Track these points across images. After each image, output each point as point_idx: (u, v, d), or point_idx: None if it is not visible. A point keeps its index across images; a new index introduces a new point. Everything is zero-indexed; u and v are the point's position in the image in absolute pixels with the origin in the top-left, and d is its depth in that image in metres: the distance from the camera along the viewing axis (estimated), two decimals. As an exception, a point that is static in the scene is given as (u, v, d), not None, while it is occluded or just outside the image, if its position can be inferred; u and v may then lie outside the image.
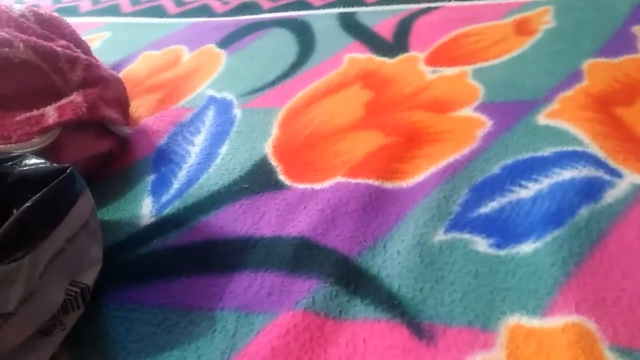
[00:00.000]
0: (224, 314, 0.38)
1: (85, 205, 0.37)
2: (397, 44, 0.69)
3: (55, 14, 0.60)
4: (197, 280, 0.41)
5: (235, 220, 0.45)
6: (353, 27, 0.76)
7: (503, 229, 0.40)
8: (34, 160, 0.38)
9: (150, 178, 0.53)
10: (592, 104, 0.51)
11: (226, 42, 0.77)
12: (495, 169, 0.46)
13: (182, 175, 0.52)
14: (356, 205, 0.44)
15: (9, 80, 0.47)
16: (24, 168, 0.37)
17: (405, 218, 0.43)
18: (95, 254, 0.39)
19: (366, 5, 0.82)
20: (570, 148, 0.46)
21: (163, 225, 0.46)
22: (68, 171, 0.36)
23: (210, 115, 0.61)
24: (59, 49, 0.51)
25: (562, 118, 0.50)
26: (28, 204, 0.33)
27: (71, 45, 0.54)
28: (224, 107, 0.62)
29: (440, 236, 0.40)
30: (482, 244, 0.39)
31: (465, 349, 0.33)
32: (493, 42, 0.65)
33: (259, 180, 0.50)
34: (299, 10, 0.84)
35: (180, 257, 0.43)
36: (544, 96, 0.53)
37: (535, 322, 0.33)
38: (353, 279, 0.38)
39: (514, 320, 0.34)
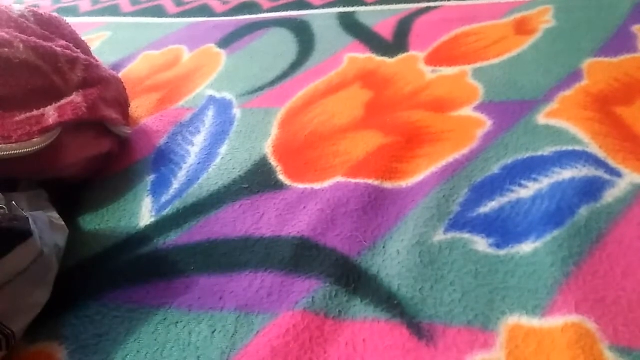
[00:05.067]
0: (224, 314, 0.38)
1: (25, 254, 0.36)
2: (397, 43, 0.69)
3: (55, 14, 0.60)
4: (196, 280, 0.41)
5: (235, 220, 0.45)
6: (353, 27, 0.76)
7: (503, 228, 0.40)
8: None
9: (150, 178, 0.53)
10: (592, 104, 0.51)
11: (226, 42, 0.77)
12: (495, 169, 0.46)
13: (181, 175, 0.52)
14: (356, 205, 0.44)
15: (9, 80, 0.47)
16: None
17: (405, 218, 0.43)
18: (37, 298, 0.38)
19: (366, 4, 0.82)
20: (570, 147, 0.46)
21: (163, 225, 0.46)
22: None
23: (210, 115, 0.61)
24: (58, 49, 0.51)
25: (562, 117, 0.50)
26: None
27: (71, 45, 0.54)
28: (223, 107, 0.62)
29: (439, 236, 0.40)
30: (481, 244, 0.39)
31: (465, 349, 0.33)
32: (493, 42, 0.65)
33: (258, 180, 0.50)
34: (298, 10, 0.84)
35: (180, 257, 0.43)
36: (543, 96, 0.53)
37: (535, 322, 0.33)
38: (353, 279, 0.38)
39: (513, 320, 0.34)
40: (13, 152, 0.44)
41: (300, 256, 0.41)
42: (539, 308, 0.34)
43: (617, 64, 0.56)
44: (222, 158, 0.53)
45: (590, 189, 0.41)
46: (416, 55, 0.65)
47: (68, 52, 0.52)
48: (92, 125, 0.52)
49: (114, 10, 0.99)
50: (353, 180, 0.47)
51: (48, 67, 0.49)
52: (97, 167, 0.54)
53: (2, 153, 0.43)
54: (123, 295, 0.40)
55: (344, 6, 0.83)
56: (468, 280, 0.37)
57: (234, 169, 0.52)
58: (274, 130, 0.56)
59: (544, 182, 0.43)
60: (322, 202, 0.45)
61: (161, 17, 0.92)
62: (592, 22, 0.65)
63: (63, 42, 0.54)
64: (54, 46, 0.51)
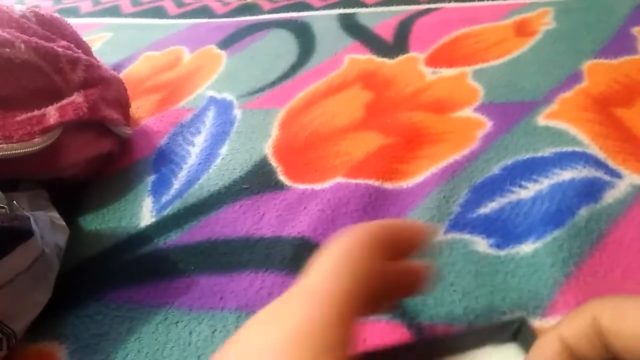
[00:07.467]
0: (224, 314, 0.38)
1: (26, 253, 0.36)
2: (397, 44, 0.69)
3: (56, 15, 0.60)
4: (197, 280, 0.41)
5: (236, 221, 0.46)
6: (353, 28, 0.76)
7: (503, 229, 0.40)
8: None
9: (151, 178, 0.53)
10: (592, 105, 0.51)
11: (226, 43, 0.77)
12: (495, 170, 0.46)
13: (182, 176, 0.52)
14: (356, 205, 0.44)
15: (10, 80, 0.47)
16: None
17: (405, 218, 0.43)
18: (37, 297, 0.38)
19: (366, 6, 0.82)
20: (570, 149, 0.46)
21: (163, 225, 0.47)
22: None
23: (210, 115, 0.61)
24: (59, 49, 0.51)
25: (562, 119, 0.50)
26: None
27: (72, 45, 0.54)
28: (224, 108, 0.62)
29: (440, 236, 0.40)
30: (482, 244, 0.39)
31: (465, 349, 0.33)
32: (493, 43, 0.65)
33: (259, 180, 0.50)
34: (299, 11, 0.85)
35: (180, 257, 0.43)
36: (543, 97, 0.54)
37: (535, 323, 0.33)
38: (353, 279, 0.38)
39: (513, 320, 0.34)
40: (14, 151, 0.44)
41: (301, 256, 0.41)
42: (539, 308, 0.34)
43: (617, 66, 0.56)
44: (223, 158, 0.53)
45: (590, 190, 0.41)
46: (416, 56, 0.65)
47: (69, 52, 0.52)
48: (92, 126, 0.52)
49: (114, 11, 0.99)
50: (353, 181, 0.47)
51: (49, 67, 0.49)
52: (98, 167, 0.54)
53: (3, 153, 0.43)
54: (123, 295, 0.41)
55: (345, 7, 0.83)
56: (468, 281, 0.37)
57: (234, 169, 0.52)
58: (275, 131, 0.56)
59: (544, 183, 0.43)
60: (322, 203, 0.45)
61: (162, 18, 0.92)
62: (592, 23, 0.65)
63: (64, 43, 0.54)
64: (55, 46, 0.51)
